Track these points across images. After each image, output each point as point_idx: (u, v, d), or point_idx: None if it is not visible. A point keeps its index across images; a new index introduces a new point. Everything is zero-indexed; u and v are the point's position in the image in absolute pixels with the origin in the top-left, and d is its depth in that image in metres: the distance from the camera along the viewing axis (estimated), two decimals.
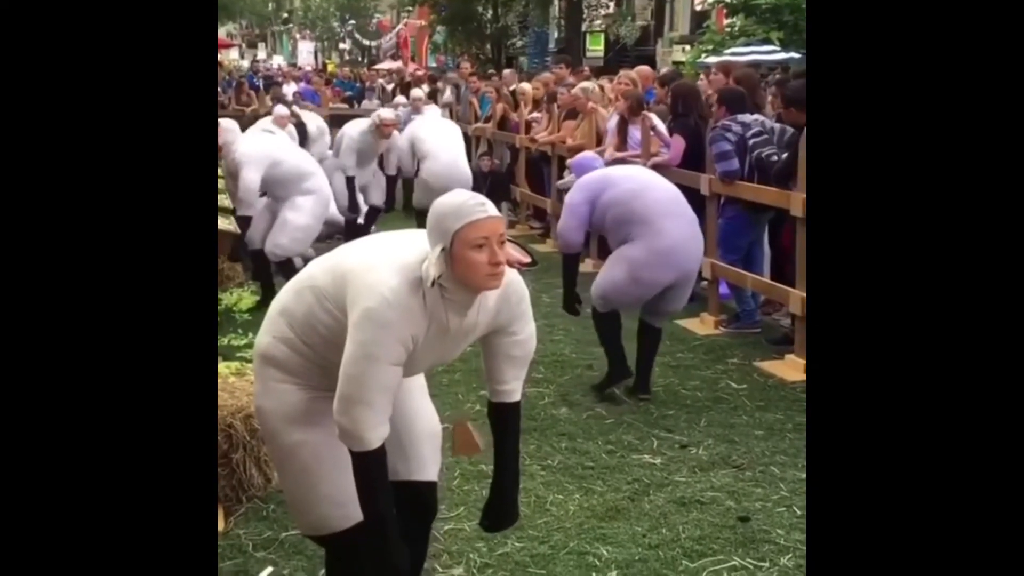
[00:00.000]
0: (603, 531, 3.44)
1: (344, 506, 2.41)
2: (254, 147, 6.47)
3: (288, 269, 6.57)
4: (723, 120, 6.01)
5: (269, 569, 3.21)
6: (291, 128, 9.13)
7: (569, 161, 5.04)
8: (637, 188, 4.66)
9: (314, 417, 2.41)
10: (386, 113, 8.67)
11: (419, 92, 11.77)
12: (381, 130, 8.29)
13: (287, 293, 2.46)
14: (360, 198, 8.62)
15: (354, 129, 8.53)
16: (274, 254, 6.60)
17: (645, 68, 9.10)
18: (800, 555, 3.25)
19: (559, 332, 5.83)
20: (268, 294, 6.32)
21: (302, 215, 6.61)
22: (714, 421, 4.53)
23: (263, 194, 6.65)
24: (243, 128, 9.50)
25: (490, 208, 2.21)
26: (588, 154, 5.49)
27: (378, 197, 8.75)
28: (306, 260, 6.66)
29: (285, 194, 6.59)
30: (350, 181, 8.42)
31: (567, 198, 4.82)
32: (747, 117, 5.98)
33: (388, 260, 2.24)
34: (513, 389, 2.46)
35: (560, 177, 8.65)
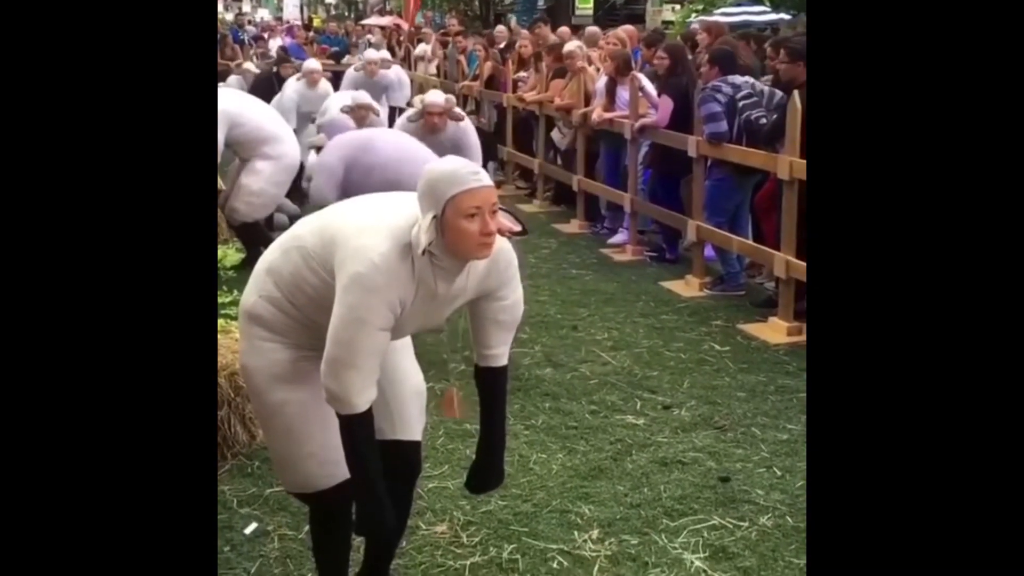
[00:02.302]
0: (585, 490, 3.48)
1: (329, 464, 2.43)
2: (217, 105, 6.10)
3: (246, 233, 6.46)
4: (713, 81, 5.99)
5: (254, 525, 3.24)
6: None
7: (319, 122, 5.17)
8: (403, 154, 4.75)
9: (300, 376, 2.42)
10: (433, 96, 5.77)
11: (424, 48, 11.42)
12: (430, 121, 5.63)
13: (274, 252, 2.45)
14: None
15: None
16: (232, 218, 6.50)
17: (631, 27, 9.04)
18: (779, 515, 3.30)
19: (544, 293, 5.84)
20: (252, 252, 6.29)
21: (257, 180, 6.40)
22: (697, 383, 4.57)
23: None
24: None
25: (484, 177, 2.20)
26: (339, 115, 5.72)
27: None
28: (292, 218, 6.64)
29: (245, 156, 6.46)
30: None
31: (320, 157, 4.97)
32: (737, 79, 5.96)
33: (378, 224, 2.23)
34: (500, 353, 2.46)
35: (547, 137, 8.65)
